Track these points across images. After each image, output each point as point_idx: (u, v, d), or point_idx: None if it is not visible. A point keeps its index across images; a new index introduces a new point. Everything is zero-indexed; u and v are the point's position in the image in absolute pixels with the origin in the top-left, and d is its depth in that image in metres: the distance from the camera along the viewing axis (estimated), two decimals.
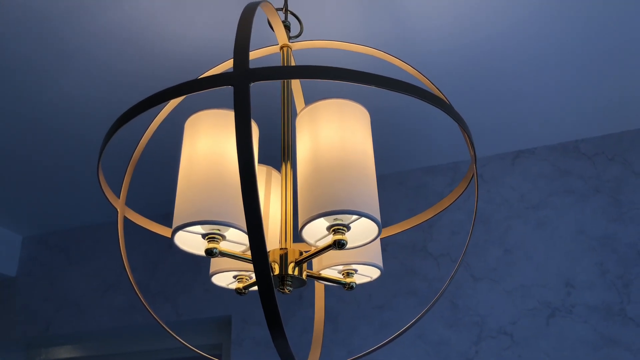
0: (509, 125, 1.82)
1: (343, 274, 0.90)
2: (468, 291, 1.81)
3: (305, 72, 0.66)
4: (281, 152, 0.90)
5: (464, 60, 1.49)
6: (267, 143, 1.83)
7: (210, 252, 0.76)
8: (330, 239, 0.77)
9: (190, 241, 0.81)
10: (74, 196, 2.08)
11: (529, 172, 1.92)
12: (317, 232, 0.80)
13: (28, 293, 2.28)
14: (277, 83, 1.50)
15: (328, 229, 0.77)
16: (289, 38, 0.99)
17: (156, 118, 0.95)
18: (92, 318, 2.14)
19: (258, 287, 0.63)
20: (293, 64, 1.04)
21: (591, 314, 1.69)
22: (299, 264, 0.82)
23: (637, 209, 1.76)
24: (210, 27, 1.29)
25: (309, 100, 1.61)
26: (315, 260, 0.91)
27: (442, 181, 1.99)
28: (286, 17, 1.01)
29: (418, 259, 1.90)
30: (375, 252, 0.90)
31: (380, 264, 0.90)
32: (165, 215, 2.24)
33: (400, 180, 2.03)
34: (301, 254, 0.83)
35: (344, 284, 0.89)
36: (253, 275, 0.92)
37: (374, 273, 0.91)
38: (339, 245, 0.75)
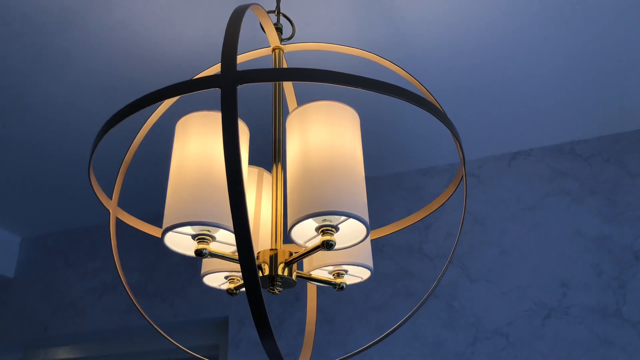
0: (506, 127, 1.82)
1: (333, 275, 0.91)
2: (464, 292, 1.82)
3: (291, 74, 0.67)
4: (272, 154, 0.91)
5: (460, 62, 1.50)
6: (266, 145, 1.84)
7: (199, 253, 0.77)
8: (319, 239, 0.78)
9: (181, 242, 0.81)
10: (72, 198, 2.09)
11: (525, 174, 1.92)
12: (306, 233, 0.80)
13: (26, 294, 2.28)
14: (271, 85, 1.51)
15: (317, 229, 0.77)
16: (281, 40, 0.99)
17: (149, 120, 0.96)
18: (89, 319, 2.14)
19: (245, 287, 0.63)
20: (285, 66, 1.05)
21: (587, 315, 1.69)
22: (288, 264, 0.82)
23: (633, 210, 1.77)
24: (206, 29, 1.30)
25: (301, 102, 1.61)
26: (305, 261, 0.92)
27: (439, 182, 1.99)
28: (278, 20, 1.02)
29: (414, 260, 1.91)
30: (366, 253, 0.90)
31: (371, 264, 0.90)
32: (158, 216, 2.25)
33: (397, 182, 2.04)
34: (291, 254, 0.84)
35: (334, 285, 0.90)
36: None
37: (364, 274, 0.92)
38: (328, 245, 0.76)
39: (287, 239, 1.82)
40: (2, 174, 1.93)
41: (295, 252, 0.83)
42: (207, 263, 0.92)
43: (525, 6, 1.32)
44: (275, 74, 0.67)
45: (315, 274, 0.91)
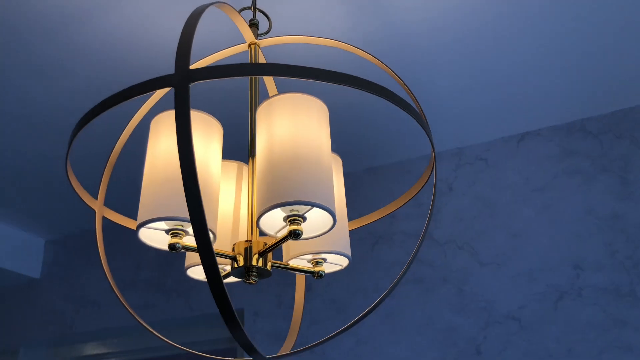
0: (513, 107, 1.79)
1: (312, 263, 0.92)
2: (475, 277, 1.81)
3: (243, 69, 0.69)
4: (248, 148, 0.93)
5: (465, 43, 1.49)
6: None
7: (172, 247, 0.80)
8: (287, 229, 0.79)
9: (155, 237, 0.84)
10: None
11: (535, 154, 1.89)
12: (276, 223, 0.82)
13: (52, 294, 2.38)
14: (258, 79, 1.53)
15: (285, 219, 0.79)
16: (257, 35, 1.01)
17: (132, 119, 0.99)
18: (111, 316, 2.22)
19: (208, 281, 0.65)
20: (263, 61, 1.07)
21: (600, 296, 1.66)
22: (262, 255, 0.84)
23: None
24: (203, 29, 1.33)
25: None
26: (284, 250, 0.94)
27: (447, 167, 1.98)
28: (254, 15, 1.03)
29: (424, 246, 1.90)
30: (344, 241, 0.91)
31: (349, 252, 0.91)
32: None
33: (405, 169, 2.03)
34: (265, 245, 0.86)
35: (312, 273, 0.91)
36: (226, 267, 0.95)
37: (343, 261, 0.93)
38: (295, 235, 0.77)
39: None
40: (26, 182, 2.01)
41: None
42: (190, 256, 0.95)
43: None
44: (226, 70, 0.69)
45: (295, 262, 0.93)
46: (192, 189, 0.64)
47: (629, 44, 1.53)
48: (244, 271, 0.85)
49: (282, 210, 0.79)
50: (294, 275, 1.96)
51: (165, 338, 2.21)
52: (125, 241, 2.37)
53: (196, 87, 1.59)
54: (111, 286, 0.83)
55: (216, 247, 0.89)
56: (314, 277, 0.91)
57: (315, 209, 0.79)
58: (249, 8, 1.03)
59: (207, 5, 0.79)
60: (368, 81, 0.72)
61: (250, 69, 0.68)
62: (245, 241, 0.86)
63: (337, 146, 1.95)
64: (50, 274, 2.42)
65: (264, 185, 0.78)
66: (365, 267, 1.94)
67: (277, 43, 1.01)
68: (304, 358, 1.88)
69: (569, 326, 1.66)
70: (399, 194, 2.01)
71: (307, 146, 0.79)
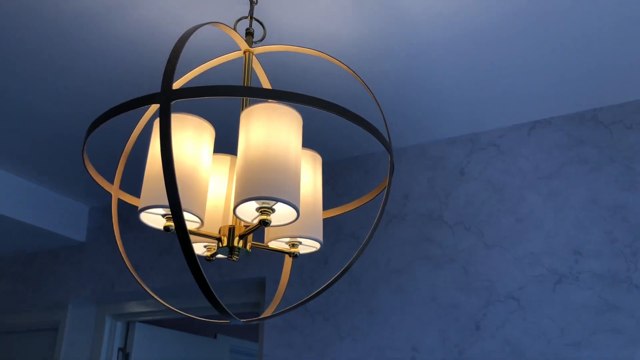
0: (526, 96, 1.85)
1: (289, 245, 1.08)
2: (480, 258, 1.91)
3: (217, 91, 0.84)
4: (238, 145, 1.08)
5: (477, 32, 1.54)
6: None
7: (167, 229, 0.97)
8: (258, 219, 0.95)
9: (154, 219, 1.02)
10: (130, 174, 2.39)
11: (545, 143, 1.95)
12: (252, 212, 0.98)
13: (96, 256, 2.66)
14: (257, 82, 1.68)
15: (257, 210, 0.95)
16: (252, 43, 1.15)
17: (143, 117, 1.16)
18: (149, 278, 2.48)
19: (189, 265, 0.82)
20: (258, 66, 1.21)
21: (597, 281, 1.74)
22: (242, 237, 1.01)
23: None
24: (204, 31, 1.48)
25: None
26: (265, 233, 1.10)
27: (462, 152, 2.07)
28: (251, 24, 1.17)
29: (434, 227, 2.02)
30: (317, 229, 1.07)
31: (320, 238, 1.06)
32: None
33: (421, 152, 2.14)
34: (247, 227, 1.02)
35: (288, 253, 1.07)
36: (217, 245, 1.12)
37: (316, 245, 1.09)
38: (264, 223, 0.93)
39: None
40: (71, 152, 2.25)
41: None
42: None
43: None
44: (204, 91, 0.84)
45: (274, 244, 1.09)
46: (171, 184, 0.81)
47: None
48: (228, 250, 1.02)
49: (256, 202, 0.95)
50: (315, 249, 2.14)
51: (203, 300, 2.45)
52: None
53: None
54: (122, 257, 1.02)
55: (205, 229, 1.06)
56: (290, 257, 1.07)
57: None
58: (246, 17, 1.17)
59: (197, 27, 0.94)
60: (319, 99, 0.85)
61: (224, 91, 0.83)
62: (229, 225, 1.02)
63: (331, 135, 2.07)
64: (94, 239, 2.70)
65: (239, 180, 0.94)
66: (378, 245, 2.08)
67: (269, 51, 1.15)
68: (319, 324, 2.06)
69: (564, 308, 1.75)
70: (419, 175, 2.12)
71: (277, 149, 0.94)
